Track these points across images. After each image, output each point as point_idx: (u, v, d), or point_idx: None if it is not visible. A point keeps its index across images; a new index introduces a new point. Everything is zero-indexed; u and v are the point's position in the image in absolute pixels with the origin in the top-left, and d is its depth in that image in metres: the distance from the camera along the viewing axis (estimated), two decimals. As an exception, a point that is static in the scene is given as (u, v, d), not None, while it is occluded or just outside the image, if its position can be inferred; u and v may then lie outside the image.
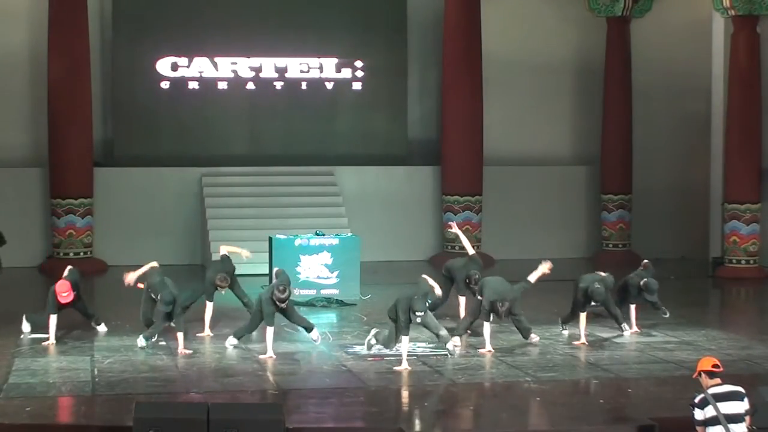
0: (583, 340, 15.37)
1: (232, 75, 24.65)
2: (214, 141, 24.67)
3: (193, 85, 24.52)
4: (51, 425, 11.32)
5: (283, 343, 15.11)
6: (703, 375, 9.94)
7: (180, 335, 14.73)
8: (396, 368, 13.69)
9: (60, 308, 15.27)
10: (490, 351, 14.70)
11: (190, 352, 14.57)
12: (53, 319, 15.16)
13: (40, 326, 15.40)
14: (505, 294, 14.84)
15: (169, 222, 23.89)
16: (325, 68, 25.00)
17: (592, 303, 15.59)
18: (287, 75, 24.85)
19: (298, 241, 19.27)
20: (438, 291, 15.00)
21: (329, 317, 17.79)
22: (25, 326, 15.71)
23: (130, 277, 15.58)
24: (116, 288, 20.92)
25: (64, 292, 15.15)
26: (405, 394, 12.86)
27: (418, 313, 13.71)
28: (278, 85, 24.83)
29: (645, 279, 16.13)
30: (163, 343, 15.08)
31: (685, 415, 10.28)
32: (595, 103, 25.74)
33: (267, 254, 19.48)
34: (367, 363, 14.06)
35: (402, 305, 13.91)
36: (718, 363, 10.02)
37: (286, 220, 22.81)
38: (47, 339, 15.08)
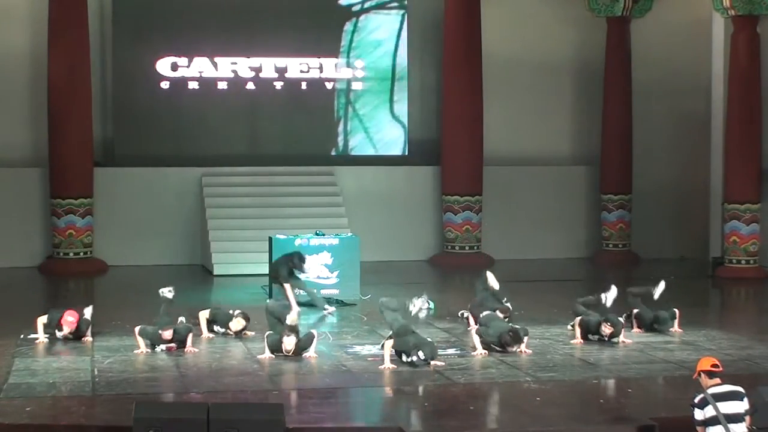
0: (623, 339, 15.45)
1: (232, 75, 24.64)
2: (214, 141, 24.67)
3: (193, 85, 24.51)
4: (51, 425, 11.30)
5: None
6: (702, 375, 9.95)
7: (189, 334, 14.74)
8: (380, 367, 13.71)
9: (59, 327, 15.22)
10: (483, 354, 14.57)
11: (196, 350, 14.59)
12: (43, 319, 15.16)
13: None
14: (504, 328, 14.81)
15: (169, 222, 23.87)
16: (325, 68, 25.00)
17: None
18: (287, 75, 24.85)
19: (298, 241, 19.23)
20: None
21: (329, 317, 17.78)
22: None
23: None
24: (116, 288, 21.05)
25: (70, 317, 15.05)
26: (405, 394, 12.85)
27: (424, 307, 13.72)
28: (278, 85, 24.83)
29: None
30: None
31: (685, 415, 10.28)
32: (595, 103, 25.72)
33: (267, 254, 19.47)
34: (367, 363, 14.06)
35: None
36: (718, 363, 10.03)
37: (286, 220, 22.78)
38: (37, 338, 15.13)
